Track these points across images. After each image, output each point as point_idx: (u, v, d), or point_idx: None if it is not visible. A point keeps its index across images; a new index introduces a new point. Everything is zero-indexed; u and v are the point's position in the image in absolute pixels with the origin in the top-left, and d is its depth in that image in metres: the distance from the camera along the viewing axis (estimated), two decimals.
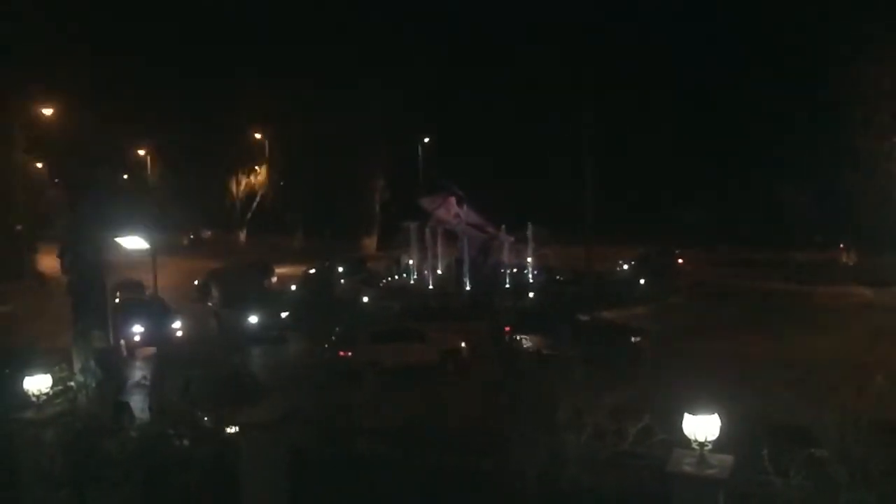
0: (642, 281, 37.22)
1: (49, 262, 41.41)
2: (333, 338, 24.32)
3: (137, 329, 25.13)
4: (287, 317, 30.06)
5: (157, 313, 27.33)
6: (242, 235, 68.60)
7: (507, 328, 24.36)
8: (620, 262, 42.50)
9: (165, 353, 24.51)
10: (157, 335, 25.80)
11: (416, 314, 28.98)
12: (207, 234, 68.64)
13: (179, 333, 27.24)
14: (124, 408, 11.13)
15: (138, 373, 16.68)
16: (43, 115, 45.76)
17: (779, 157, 50.85)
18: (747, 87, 53.46)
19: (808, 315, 29.33)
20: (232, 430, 10.42)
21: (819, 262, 43.85)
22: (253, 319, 28.82)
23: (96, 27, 46.73)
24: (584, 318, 25.48)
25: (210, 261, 44.64)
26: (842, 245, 46.27)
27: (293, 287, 39.21)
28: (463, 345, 23.22)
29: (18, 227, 46.96)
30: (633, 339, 23.88)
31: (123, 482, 10.33)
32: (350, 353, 23.21)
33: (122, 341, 24.66)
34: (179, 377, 15.86)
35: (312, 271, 42.06)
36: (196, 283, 38.65)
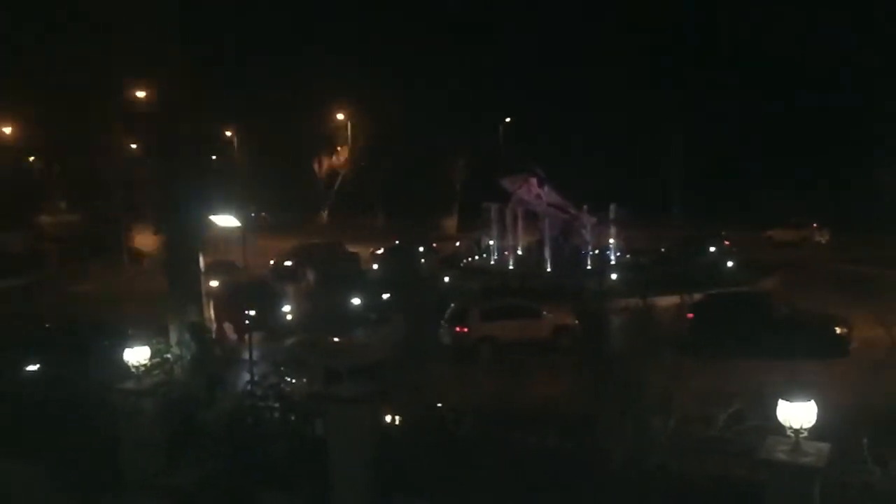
0: (730, 263, 36.21)
1: (143, 240, 43.11)
2: (448, 315, 24.71)
3: (248, 312, 25.37)
4: (388, 298, 29.66)
5: (265, 296, 26.84)
6: (325, 215, 69.76)
7: (690, 314, 23.08)
8: (704, 244, 41.46)
9: (277, 334, 24.47)
10: (268, 318, 25.35)
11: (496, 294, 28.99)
12: (263, 215, 68.37)
13: (289, 317, 27.18)
14: (218, 380, 11.51)
15: (243, 354, 16.91)
16: (137, 97, 47.41)
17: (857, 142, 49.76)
18: (839, 66, 51.86)
19: None
20: (322, 404, 10.66)
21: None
22: (355, 301, 28.90)
23: (187, 10, 47.97)
24: (779, 305, 23.75)
25: (294, 240, 45.52)
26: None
27: (374, 266, 39.70)
28: (576, 321, 23.17)
29: (114, 206, 48.90)
30: (837, 329, 21.95)
31: (216, 450, 10.72)
32: (466, 330, 23.72)
33: (229, 324, 24.46)
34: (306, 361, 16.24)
35: (381, 252, 42.48)
36: (272, 262, 39.16)
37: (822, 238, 48.76)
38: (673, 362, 9.38)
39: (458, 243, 49.00)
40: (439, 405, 10.93)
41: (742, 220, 48.14)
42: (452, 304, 25.34)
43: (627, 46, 56.05)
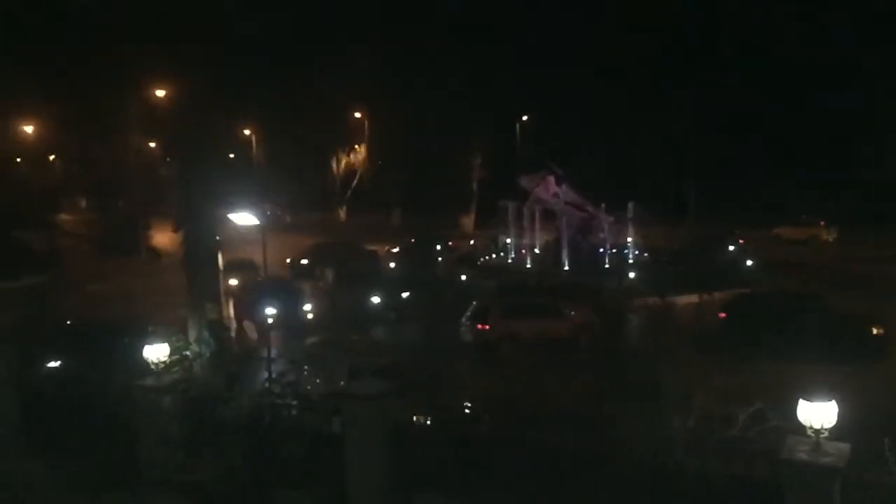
0: (749, 262, 36.02)
1: (162, 239, 43.43)
2: (470, 313, 24.84)
3: (269, 311, 25.27)
4: (408, 296, 29.57)
5: (286, 295, 26.60)
6: (342, 213, 69.95)
7: (723, 314, 22.97)
8: (722, 243, 41.26)
9: (298, 333, 24.44)
10: (289, 317, 24.99)
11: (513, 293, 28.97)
12: (279, 213, 66.83)
13: (310, 316, 27.15)
14: (236, 378, 11.55)
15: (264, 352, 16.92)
16: (156, 96, 47.76)
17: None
18: (843, 64, 51.73)
19: None
20: (340, 402, 10.67)
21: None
22: (375, 300, 28.95)
23: (204, 10, 48.31)
24: (815, 305, 23.11)
25: (310, 238, 45.66)
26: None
27: (392, 265, 39.76)
28: (597, 320, 23.18)
29: (134, 205, 49.30)
30: (874, 330, 21.64)
31: (235, 447, 10.76)
32: (488, 327, 23.90)
33: (249, 323, 24.36)
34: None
35: (396, 250, 42.57)
36: (288, 261, 39.29)
37: (830, 236, 49.23)
38: (701, 362, 9.33)
39: (471, 241, 49.06)
40: (466, 403, 10.94)
41: (746, 218, 48.28)
42: (474, 302, 25.46)
43: (639, 47, 56.03)
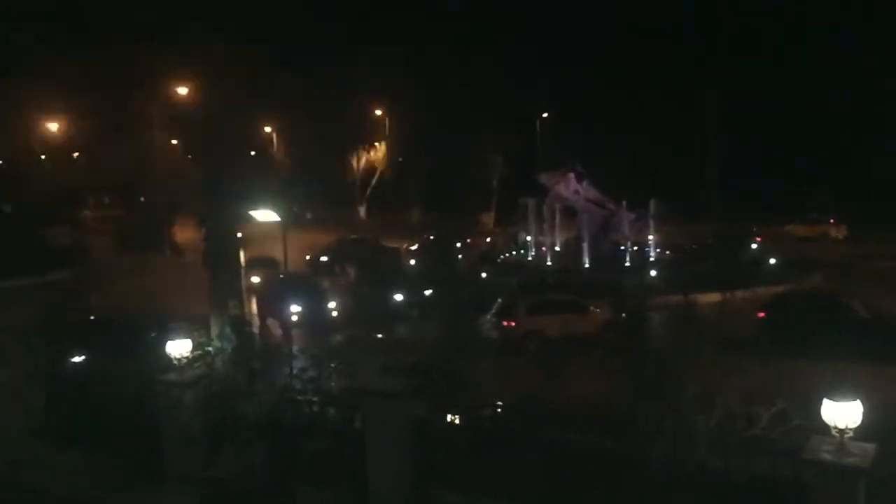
0: (772, 261, 35.68)
1: (185, 235, 43.74)
2: (495, 309, 24.91)
3: (294, 309, 24.43)
4: (430, 294, 29.31)
5: (311, 292, 26.71)
6: (362, 211, 70.12)
7: (761, 313, 22.49)
8: (743, 241, 40.91)
9: (323, 330, 24.41)
10: (314, 315, 25.11)
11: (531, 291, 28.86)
12: (295, 210, 67.36)
13: (335, 314, 27.11)
14: (258, 374, 11.60)
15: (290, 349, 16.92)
16: (178, 94, 48.06)
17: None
18: (849, 63, 51.31)
19: None
20: (360, 398, 10.70)
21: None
22: (398, 297, 28.99)
23: (226, 9, 48.60)
24: (858, 310, 22.17)
25: (328, 235, 45.80)
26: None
27: (412, 262, 39.80)
28: (622, 317, 23.02)
29: (157, 202, 49.65)
30: None
31: (256, 443, 10.81)
32: (513, 324, 23.97)
33: (273, 320, 24.30)
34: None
35: (415, 247, 42.63)
36: (308, 258, 39.34)
37: (840, 233, 49.54)
38: (729, 362, 9.22)
39: (488, 239, 49.00)
40: (489, 400, 10.91)
41: (751, 216, 47.68)
42: (499, 300, 25.47)
43: (659, 45, 55.92)
